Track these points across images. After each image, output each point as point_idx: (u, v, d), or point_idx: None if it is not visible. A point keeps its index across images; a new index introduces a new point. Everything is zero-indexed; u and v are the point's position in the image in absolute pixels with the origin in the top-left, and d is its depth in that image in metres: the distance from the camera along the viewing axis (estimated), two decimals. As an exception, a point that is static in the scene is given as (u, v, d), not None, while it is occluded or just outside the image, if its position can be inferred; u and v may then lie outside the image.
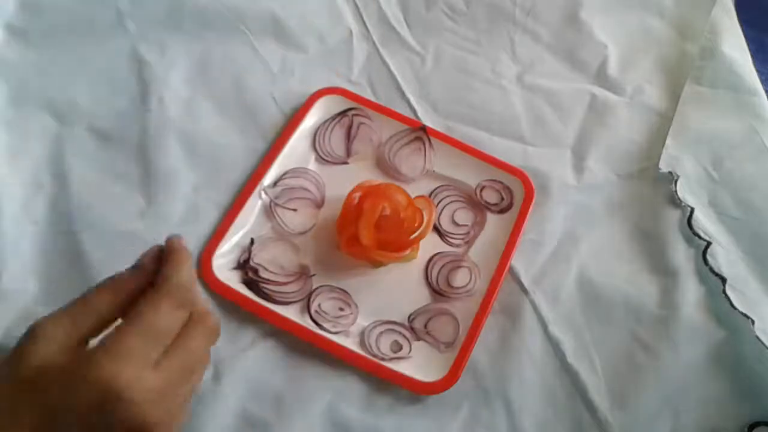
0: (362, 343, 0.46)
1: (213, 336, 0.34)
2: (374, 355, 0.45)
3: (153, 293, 0.32)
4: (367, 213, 0.46)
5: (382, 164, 0.53)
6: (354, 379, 0.45)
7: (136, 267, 0.33)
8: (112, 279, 0.33)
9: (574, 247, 0.51)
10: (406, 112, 0.55)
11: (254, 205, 0.49)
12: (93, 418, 0.28)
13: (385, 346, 0.46)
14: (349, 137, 0.53)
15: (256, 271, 0.47)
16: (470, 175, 0.52)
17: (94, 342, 0.31)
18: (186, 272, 0.33)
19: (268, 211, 0.50)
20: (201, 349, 0.33)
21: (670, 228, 0.51)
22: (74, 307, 0.31)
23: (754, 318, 0.46)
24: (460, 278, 0.49)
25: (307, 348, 0.45)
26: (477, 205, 0.52)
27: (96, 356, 0.29)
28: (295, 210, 0.50)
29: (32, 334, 0.30)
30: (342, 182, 0.50)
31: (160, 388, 0.30)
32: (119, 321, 0.31)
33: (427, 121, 0.55)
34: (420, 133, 0.53)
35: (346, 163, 0.53)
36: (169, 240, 0.34)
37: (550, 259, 0.50)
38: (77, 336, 0.30)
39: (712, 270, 0.49)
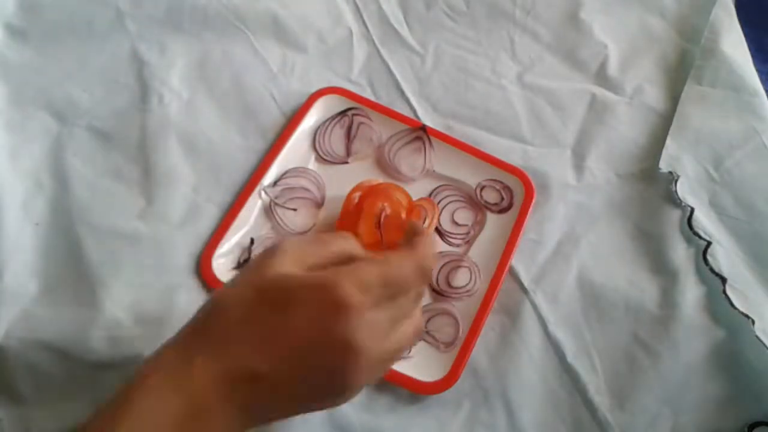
0: (362, 343, 0.46)
1: (419, 330, 0.35)
2: (374, 355, 0.45)
3: (407, 250, 0.34)
4: (367, 213, 0.46)
5: (382, 164, 0.53)
6: (354, 379, 0.45)
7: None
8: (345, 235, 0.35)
9: (574, 247, 0.51)
10: (406, 112, 0.55)
11: (254, 205, 0.49)
12: (318, 321, 0.30)
13: (385, 346, 0.46)
14: (349, 137, 0.53)
15: (256, 271, 0.47)
16: (470, 175, 0.52)
17: None
18: (433, 254, 0.35)
19: (268, 211, 0.50)
20: (415, 324, 0.34)
21: (670, 228, 0.51)
22: (309, 240, 0.35)
23: (754, 318, 0.46)
24: (460, 278, 0.49)
25: (307, 348, 0.45)
26: (477, 205, 0.52)
27: (336, 271, 0.31)
28: (295, 210, 0.50)
29: (270, 251, 0.32)
30: (342, 182, 0.50)
31: (376, 323, 0.31)
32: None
33: (427, 120, 0.55)
34: (420, 132, 0.53)
35: (346, 162, 0.53)
36: (413, 222, 0.38)
37: (550, 259, 0.50)
38: (309, 261, 0.33)
39: (712, 270, 0.49)
